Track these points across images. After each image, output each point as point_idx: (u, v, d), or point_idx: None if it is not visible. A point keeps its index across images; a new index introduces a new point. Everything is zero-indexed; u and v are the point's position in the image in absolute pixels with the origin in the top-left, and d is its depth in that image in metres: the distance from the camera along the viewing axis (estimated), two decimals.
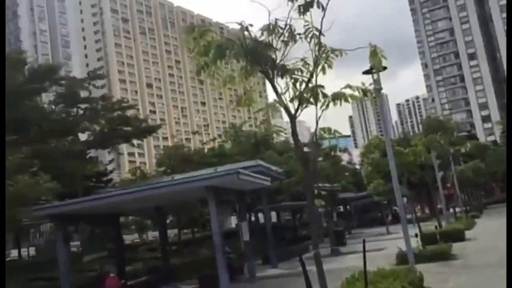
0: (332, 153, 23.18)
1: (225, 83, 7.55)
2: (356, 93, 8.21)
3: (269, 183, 17.12)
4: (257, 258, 22.67)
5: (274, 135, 33.40)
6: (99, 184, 28.49)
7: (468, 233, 21.73)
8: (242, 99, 7.88)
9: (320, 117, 8.05)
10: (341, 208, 51.49)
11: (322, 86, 7.91)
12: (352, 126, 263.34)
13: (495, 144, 70.88)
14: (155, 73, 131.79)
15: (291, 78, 8.15)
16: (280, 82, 8.25)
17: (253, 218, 36.76)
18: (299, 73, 8.16)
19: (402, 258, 14.54)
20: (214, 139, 39.11)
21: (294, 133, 8.07)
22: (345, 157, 66.51)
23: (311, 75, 7.96)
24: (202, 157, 30.93)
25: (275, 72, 8.10)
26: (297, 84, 8.15)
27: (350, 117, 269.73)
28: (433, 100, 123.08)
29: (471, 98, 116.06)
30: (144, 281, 17.98)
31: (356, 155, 62.78)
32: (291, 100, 8.08)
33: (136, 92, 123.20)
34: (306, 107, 8.20)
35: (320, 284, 7.22)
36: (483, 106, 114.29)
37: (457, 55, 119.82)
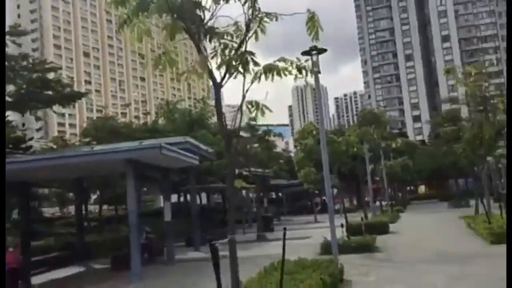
0: (266, 137, 22.58)
1: (141, 37, 6.52)
2: (290, 68, 7.49)
3: (197, 162, 16.21)
4: (181, 240, 21.83)
5: (210, 114, 32.41)
6: (16, 151, 26.23)
7: (392, 226, 21.98)
8: (161, 59, 6.88)
9: (248, 89, 7.27)
10: (273, 195, 51.63)
11: (253, 53, 7.09)
12: (290, 115, 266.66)
13: (423, 144, 73.84)
14: (94, 42, 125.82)
15: (220, 43, 7.30)
16: (210, 49, 7.42)
17: (182, 199, 35.86)
18: (230, 38, 7.33)
19: (326, 248, 14.21)
20: (147, 113, 37.42)
21: (218, 103, 7.23)
22: (281, 144, 66.80)
23: (242, 41, 7.13)
24: (133, 131, 29.38)
25: (202, 33, 7.20)
26: (227, 51, 7.32)
27: (290, 106, 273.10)
28: (369, 96, 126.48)
29: (404, 98, 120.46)
30: (53, 257, 16.60)
31: (292, 143, 63.12)
32: (218, 67, 7.23)
33: (72, 59, 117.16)
34: (235, 77, 7.39)
35: (231, 272, 6.48)
36: (415, 107, 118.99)
37: (395, 55, 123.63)
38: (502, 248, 12.81)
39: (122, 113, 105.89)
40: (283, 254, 7.72)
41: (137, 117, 60.28)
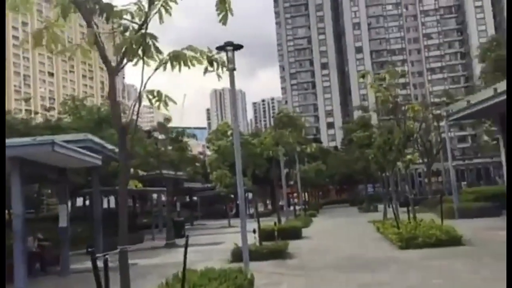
0: (180, 138, 21.49)
1: (16, 7, 5.36)
2: (200, 58, 6.67)
3: (99, 162, 14.79)
4: (83, 247, 20.06)
5: (122, 114, 30.46)
6: None
7: (305, 231, 21.80)
8: (42, 36, 5.74)
9: (149, 77, 6.33)
10: (188, 199, 50.32)
11: (155, 37, 6.16)
12: (209, 118, 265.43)
13: (336, 149, 76.26)
14: None
15: (118, 23, 6.33)
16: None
17: (88, 202, 33.54)
18: (130, 18, 6.36)
19: (237, 255, 13.50)
20: (48, 109, 34.65)
21: (112, 90, 6.19)
22: (198, 148, 65.48)
23: (144, 21, 6.18)
24: (31, 128, 26.85)
25: (96, 10, 6.14)
26: (127, 33, 6.34)
27: (208, 109, 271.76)
28: (286, 102, 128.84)
29: (319, 105, 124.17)
30: None
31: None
32: (116, 51, 6.23)
33: None
34: (135, 63, 6.41)
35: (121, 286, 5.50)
36: (329, 114, 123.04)
37: (311, 62, 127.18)
38: (411, 253, 12.87)
39: (26, 110, 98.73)
40: (184, 264, 6.85)
41: (38, 113, 55.55)
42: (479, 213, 23.92)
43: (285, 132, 22.45)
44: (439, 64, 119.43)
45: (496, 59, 34.33)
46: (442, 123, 29.81)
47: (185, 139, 21.42)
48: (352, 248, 15.42)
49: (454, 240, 13.84)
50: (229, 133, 17.68)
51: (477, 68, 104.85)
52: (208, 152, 57.13)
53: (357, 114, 70.72)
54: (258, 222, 15.78)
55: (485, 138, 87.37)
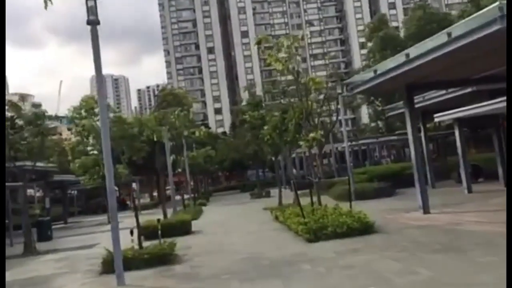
0: (39, 122, 17.40)
1: None
2: None
3: None
4: None
5: None
6: None
7: (195, 224, 19.15)
8: None
9: None
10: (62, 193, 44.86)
11: None
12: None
13: (225, 135, 74.46)
14: None
15: None
16: None
17: None
18: None
19: (110, 264, 10.43)
20: None
21: None
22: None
23: None
24: None
25: None
26: None
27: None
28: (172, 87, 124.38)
29: (206, 90, 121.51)
30: None
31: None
32: None
33: None
34: None
35: None
36: (216, 99, 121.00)
37: (197, 46, 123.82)
38: (323, 247, 10.81)
39: None
40: None
41: None
42: (375, 194, 23.15)
43: (170, 112, 19.46)
44: (320, 51, 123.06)
45: (383, 37, 34.72)
46: (333, 103, 28.79)
47: (46, 121, 17.40)
48: (252, 244, 13.07)
49: (366, 228, 12.11)
50: (97, 110, 14.23)
51: (356, 54, 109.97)
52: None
53: (244, 96, 69.22)
54: (137, 218, 12.72)
55: (364, 121, 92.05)
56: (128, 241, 11.74)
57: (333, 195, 24.11)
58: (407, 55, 12.16)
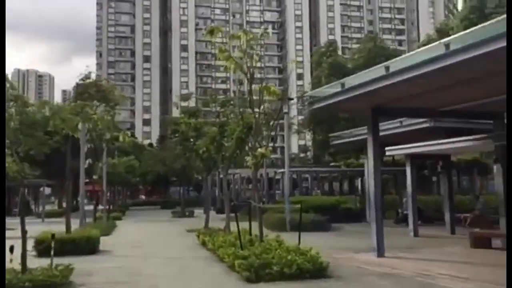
0: None
1: None
2: None
3: None
4: None
5: None
6: None
7: (104, 241, 16.00)
8: None
9: None
10: None
11: None
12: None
13: (151, 146, 70.49)
14: None
15: None
16: None
17: None
18: None
19: None
20: None
21: None
22: None
23: None
24: None
25: None
26: None
27: None
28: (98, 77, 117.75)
29: (137, 99, 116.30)
30: None
31: None
32: None
33: None
34: None
35: None
36: (146, 110, 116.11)
37: (133, 53, 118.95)
38: None
39: None
40: None
41: None
42: (311, 227, 21.09)
43: (90, 106, 16.40)
44: (259, 76, 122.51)
45: (332, 63, 33.72)
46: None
47: None
48: (177, 278, 10.33)
49: (319, 270, 9.86)
50: None
51: (293, 84, 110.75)
52: None
53: (176, 108, 65.53)
54: (23, 229, 9.53)
55: (294, 151, 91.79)
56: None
57: (266, 223, 21.86)
58: (387, 68, 10.28)
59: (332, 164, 40.11)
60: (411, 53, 10.68)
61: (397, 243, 15.11)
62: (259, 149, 11.96)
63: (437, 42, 9.41)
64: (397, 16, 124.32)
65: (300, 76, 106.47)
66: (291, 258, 9.86)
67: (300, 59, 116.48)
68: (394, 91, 10.90)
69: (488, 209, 21.31)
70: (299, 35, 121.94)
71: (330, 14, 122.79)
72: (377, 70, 10.75)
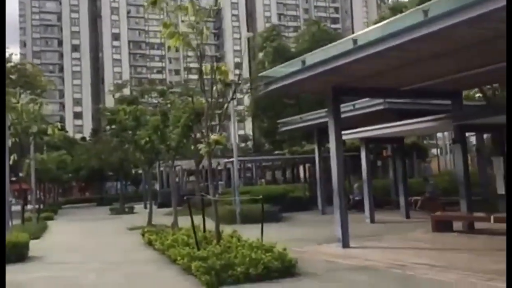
0: None
1: None
2: None
3: None
4: None
5: None
6: None
7: (34, 246, 14.12)
8: None
9: None
10: None
11: None
12: None
13: (84, 140, 66.76)
14: None
15: None
16: None
17: None
18: None
19: None
20: None
21: None
22: None
23: None
24: None
25: None
26: None
27: None
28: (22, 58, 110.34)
29: (66, 91, 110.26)
30: None
31: None
32: None
33: None
34: None
35: None
36: (77, 102, 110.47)
37: (60, 42, 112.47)
38: None
39: None
40: None
41: None
42: (261, 218, 20.12)
43: (12, 94, 14.32)
44: (196, 65, 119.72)
45: (277, 48, 32.83)
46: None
47: None
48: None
49: (287, 268, 8.78)
50: None
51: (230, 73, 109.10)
52: None
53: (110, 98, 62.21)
54: None
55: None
56: None
57: (214, 216, 20.60)
58: (355, 41, 9.31)
59: (276, 152, 39.36)
60: (380, 24, 9.75)
61: (357, 231, 14.33)
62: (212, 136, 10.66)
63: (414, 9, 8.51)
64: (331, 4, 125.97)
65: (238, 66, 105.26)
66: (256, 256, 8.71)
67: (237, 48, 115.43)
68: (361, 67, 9.97)
69: (437, 191, 21.32)
70: (235, 23, 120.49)
71: (266, 1, 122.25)
72: (343, 44, 9.77)
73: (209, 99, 10.92)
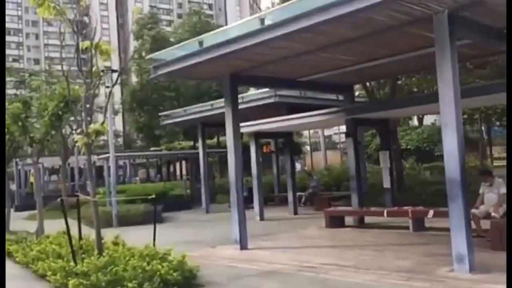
0: None
1: None
2: None
3: None
4: None
5: None
6: None
7: None
8: None
9: None
10: None
11: None
12: None
13: None
14: None
15: None
16: None
17: None
18: None
19: None
20: None
21: None
22: None
23: None
24: None
25: None
26: None
27: None
28: None
29: None
30: None
31: None
32: None
33: None
34: None
35: None
36: None
37: None
38: None
39: None
40: None
41: None
42: (142, 219, 18.39)
43: None
44: (57, 55, 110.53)
45: (155, 36, 30.79)
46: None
47: None
48: None
49: (188, 279, 7.51)
50: None
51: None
52: None
53: None
54: None
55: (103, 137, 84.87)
56: None
57: (86, 219, 18.27)
58: (262, 20, 8.34)
59: (153, 149, 37.22)
60: (286, 4, 8.88)
61: (249, 230, 13.52)
62: (92, 125, 8.93)
63: None
64: (205, 1, 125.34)
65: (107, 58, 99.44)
66: (150, 267, 7.29)
67: (106, 38, 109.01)
68: (265, 52, 9.07)
69: (320, 187, 21.54)
70: (104, 13, 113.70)
71: None
72: (249, 23, 8.76)
73: (87, 80, 9.17)
